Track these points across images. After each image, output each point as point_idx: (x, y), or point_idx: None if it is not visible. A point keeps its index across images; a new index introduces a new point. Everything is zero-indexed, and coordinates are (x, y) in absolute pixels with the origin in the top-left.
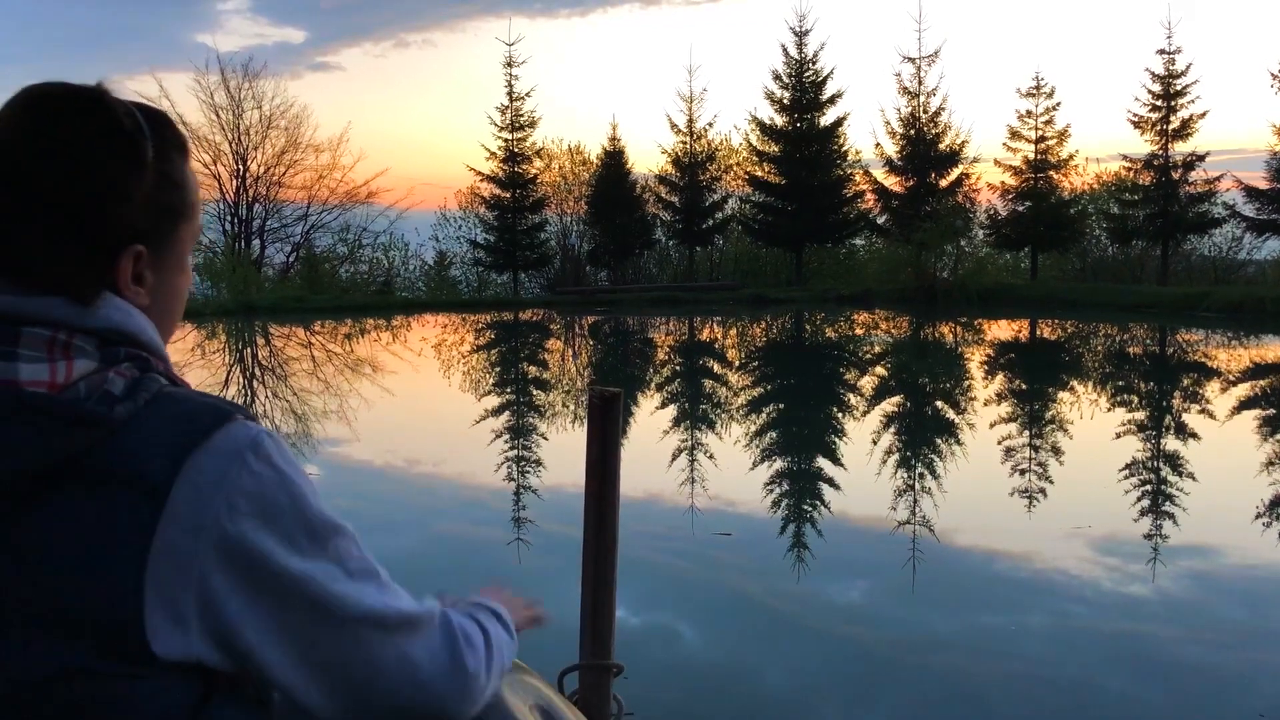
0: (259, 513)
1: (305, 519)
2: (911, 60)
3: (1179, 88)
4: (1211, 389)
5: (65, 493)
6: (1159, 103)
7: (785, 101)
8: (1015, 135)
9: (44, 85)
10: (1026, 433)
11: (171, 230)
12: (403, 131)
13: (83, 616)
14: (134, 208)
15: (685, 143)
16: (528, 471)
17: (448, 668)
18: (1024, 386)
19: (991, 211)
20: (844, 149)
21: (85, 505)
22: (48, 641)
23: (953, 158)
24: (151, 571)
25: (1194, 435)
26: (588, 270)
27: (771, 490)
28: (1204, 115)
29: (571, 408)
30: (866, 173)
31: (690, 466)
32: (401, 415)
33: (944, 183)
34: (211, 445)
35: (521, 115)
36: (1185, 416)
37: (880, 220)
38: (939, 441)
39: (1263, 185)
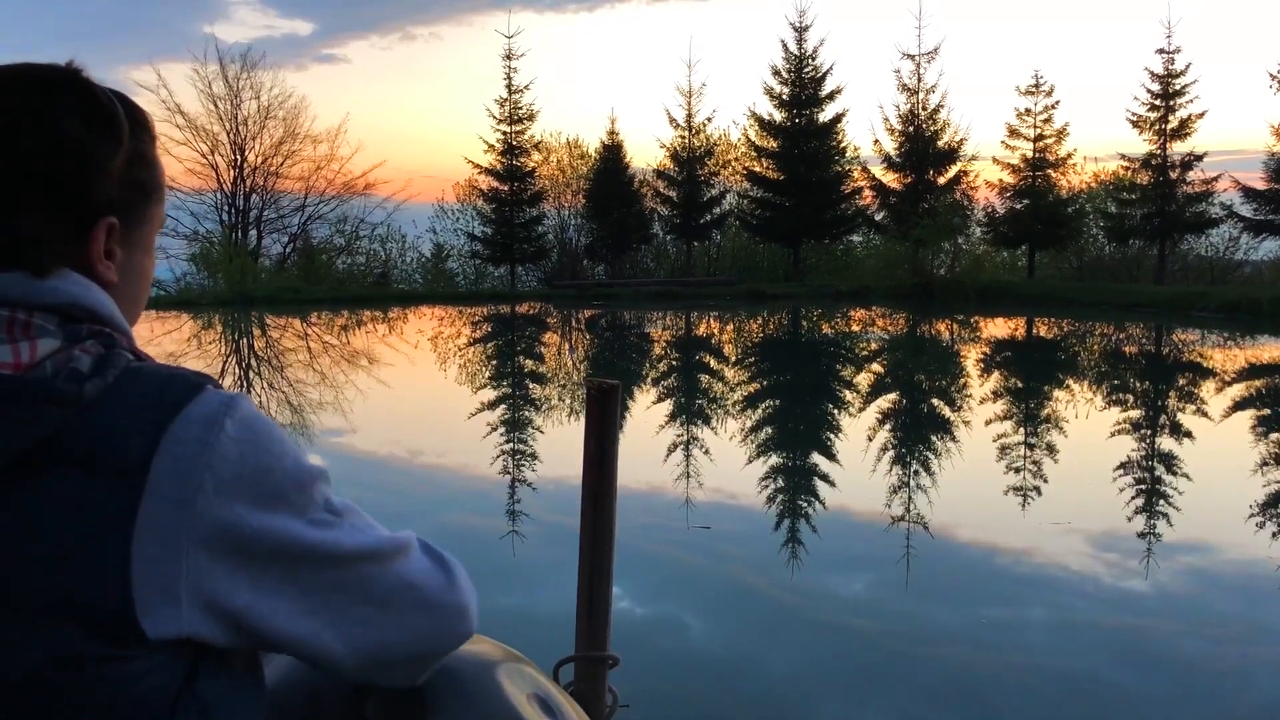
0: (242, 477)
1: (288, 474)
2: (911, 57)
3: (1178, 87)
4: (1207, 388)
5: (42, 477)
6: (1157, 102)
7: (784, 97)
8: (1014, 133)
9: (17, 65)
10: (1021, 430)
11: (142, 208)
12: (403, 124)
13: (71, 602)
14: (110, 179)
15: (684, 137)
16: (525, 464)
17: (444, 582)
18: (1020, 384)
19: (989, 209)
20: (842, 145)
21: (64, 488)
22: (35, 630)
23: (951, 155)
24: (138, 550)
25: (1189, 434)
26: (585, 264)
27: (767, 484)
28: (1202, 115)
29: (568, 401)
30: (865, 169)
31: (687, 460)
32: (398, 407)
33: (942, 180)
34: (186, 416)
35: (520, 108)
36: (1180, 416)
37: (878, 217)
38: (934, 438)
39: (1260, 185)
